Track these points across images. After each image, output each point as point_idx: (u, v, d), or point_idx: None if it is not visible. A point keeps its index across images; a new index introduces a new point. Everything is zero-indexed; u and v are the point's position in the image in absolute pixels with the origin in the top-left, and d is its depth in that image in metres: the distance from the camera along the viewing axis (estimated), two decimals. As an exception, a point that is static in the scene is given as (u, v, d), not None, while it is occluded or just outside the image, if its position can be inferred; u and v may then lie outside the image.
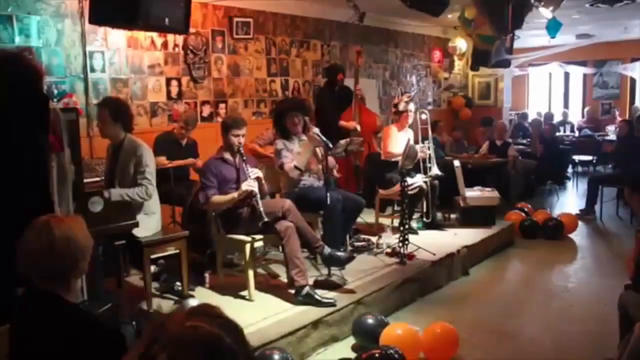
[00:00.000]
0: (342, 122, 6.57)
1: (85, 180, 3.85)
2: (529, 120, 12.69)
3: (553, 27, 6.88)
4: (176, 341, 1.19)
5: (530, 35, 9.73)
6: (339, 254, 4.44)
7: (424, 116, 6.45)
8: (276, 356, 3.33)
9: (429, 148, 6.17)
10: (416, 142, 6.06)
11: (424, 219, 6.32)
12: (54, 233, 1.92)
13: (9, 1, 4.76)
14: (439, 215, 6.64)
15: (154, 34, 5.83)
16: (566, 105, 14.13)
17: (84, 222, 2.07)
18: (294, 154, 5.01)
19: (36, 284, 1.94)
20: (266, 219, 4.17)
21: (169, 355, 1.15)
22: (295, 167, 4.90)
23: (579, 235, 7.06)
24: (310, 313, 4.02)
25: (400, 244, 5.18)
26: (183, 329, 1.21)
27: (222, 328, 1.22)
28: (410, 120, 6.27)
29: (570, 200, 9.26)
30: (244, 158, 4.42)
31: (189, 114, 5.79)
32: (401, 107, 6.22)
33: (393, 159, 5.98)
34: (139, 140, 4.20)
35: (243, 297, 4.36)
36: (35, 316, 1.89)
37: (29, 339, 1.85)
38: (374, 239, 5.72)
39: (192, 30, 5.88)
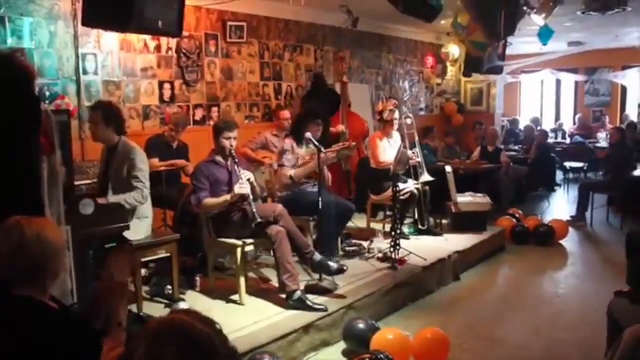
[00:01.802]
0: (331, 128, 6.58)
1: (76, 183, 3.84)
2: (520, 126, 12.78)
3: (545, 35, 6.93)
4: (152, 334, 1.23)
5: (523, 42, 9.79)
6: (330, 263, 4.44)
7: (409, 121, 6.45)
8: (267, 360, 3.33)
9: (417, 155, 6.17)
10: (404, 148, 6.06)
11: (419, 226, 6.33)
12: (24, 232, 1.91)
13: (1, 3, 4.74)
14: (431, 220, 6.65)
15: (148, 37, 5.83)
16: (558, 112, 14.22)
17: (55, 224, 2.05)
18: (298, 158, 5.04)
19: (13, 290, 1.92)
20: (259, 220, 4.17)
21: (146, 347, 1.18)
22: (291, 177, 4.93)
23: (570, 242, 7.09)
24: (301, 317, 4.01)
25: (392, 249, 5.19)
26: (158, 323, 1.25)
27: (194, 318, 1.25)
28: (395, 127, 6.20)
29: (561, 206, 9.30)
30: (236, 161, 4.43)
31: (179, 115, 5.79)
32: (386, 115, 6.10)
33: (385, 167, 5.97)
34: (132, 144, 4.20)
35: (234, 301, 4.35)
36: (12, 322, 1.87)
37: (8, 345, 1.83)
38: (365, 244, 5.73)
39: (185, 33, 5.90)
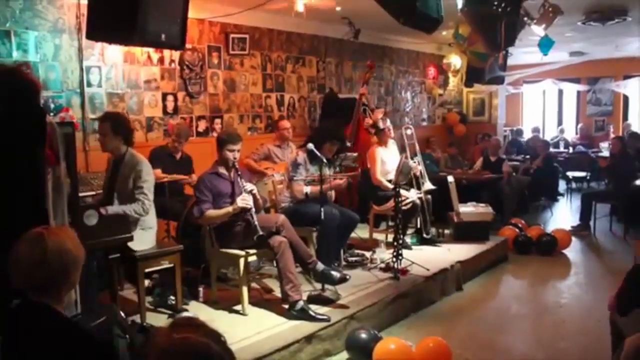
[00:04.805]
0: None
1: (80, 194, 3.87)
2: (524, 136, 12.81)
3: (545, 45, 6.96)
4: (168, 354, 1.21)
5: (524, 52, 9.83)
6: (333, 272, 4.45)
7: (409, 131, 6.51)
8: (269, 370, 3.34)
9: (419, 163, 6.24)
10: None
11: (424, 235, 6.34)
12: (47, 245, 1.94)
13: (7, 17, 4.81)
14: (433, 230, 6.66)
15: (151, 50, 5.88)
16: (560, 121, 14.24)
17: (76, 234, 2.08)
18: (308, 175, 5.10)
19: (29, 296, 1.95)
20: (261, 233, 4.19)
21: None
22: (306, 194, 5.03)
23: (573, 251, 7.08)
24: (304, 327, 4.02)
25: (394, 259, 5.20)
26: (172, 341, 1.23)
27: (208, 337, 1.25)
28: (391, 134, 6.33)
29: (564, 216, 9.29)
30: (239, 173, 4.46)
31: (181, 127, 5.82)
32: (381, 125, 6.29)
33: (384, 187, 6.04)
34: (140, 155, 4.25)
35: (237, 312, 4.37)
36: (27, 329, 1.90)
37: (21, 350, 1.87)
38: (368, 254, 5.73)
39: (188, 45, 5.94)
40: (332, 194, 5.37)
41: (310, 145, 4.99)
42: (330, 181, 5.15)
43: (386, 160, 6.18)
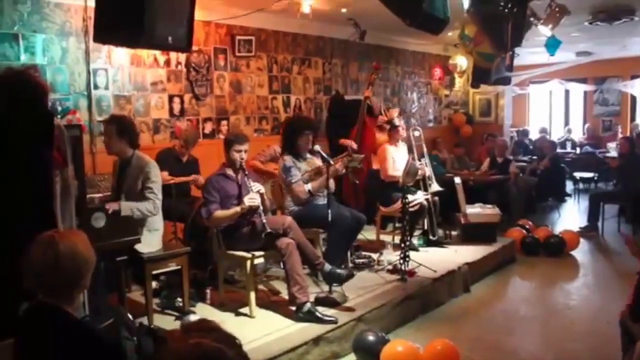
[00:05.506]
0: (342, 140, 6.63)
1: (88, 196, 3.88)
2: (530, 137, 12.76)
3: (552, 45, 6.94)
4: (180, 359, 1.21)
5: (531, 52, 9.79)
6: (339, 271, 4.45)
7: (417, 133, 6.52)
8: (277, 373, 3.34)
9: (426, 165, 6.24)
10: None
11: (430, 237, 6.32)
12: (59, 248, 1.94)
13: (15, 20, 4.83)
14: (440, 232, 6.64)
15: (157, 52, 5.90)
16: (567, 122, 14.18)
17: (87, 237, 2.09)
18: (302, 172, 5.08)
19: (41, 298, 1.96)
20: (269, 230, 4.19)
21: None
22: (309, 191, 5.00)
23: (581, 252, 7.04)
24: (311, 330, 4.02)
25: (401, 261, 5.19)
26: (186, 346, 1.22)
27: (222, 342, 1.24)
28: (403, 134, 6.35)
29: (571, 217, 9.25)
30: (246, 173, 4.46)
31: (189, 133, 5.77)
32: (396, 121, 6.38)
33: (394, 180, 6.02)
34: (147, 157, 4.26)
35: (244, 314, 4.36)
36: (39, 330, 1.90)
37: (33, 352, 1.87)
38: (375, 255, 5.72)
39: (194, 48, 5.94)
40: (332, 184, 5.30)
41: (317, 147, 4.99)
42: (328, 171, 5.06)
43: (396, 159, 6.18)
